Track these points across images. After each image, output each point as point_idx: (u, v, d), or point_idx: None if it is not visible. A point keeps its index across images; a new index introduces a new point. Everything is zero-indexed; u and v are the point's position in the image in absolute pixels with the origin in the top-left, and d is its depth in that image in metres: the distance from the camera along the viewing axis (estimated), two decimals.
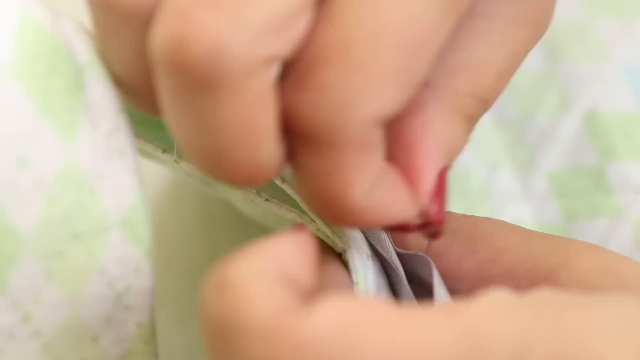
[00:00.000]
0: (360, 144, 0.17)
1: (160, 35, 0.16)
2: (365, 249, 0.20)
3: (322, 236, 0.20)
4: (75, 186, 0.18)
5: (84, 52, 0.18)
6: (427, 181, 0.19)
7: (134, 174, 0.19)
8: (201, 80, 0.15)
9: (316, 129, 0.16)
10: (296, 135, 0.17)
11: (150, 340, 0.20)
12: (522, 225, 0.22)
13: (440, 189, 0.19)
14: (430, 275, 0.20)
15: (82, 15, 0.19)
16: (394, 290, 0.21)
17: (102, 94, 0.18)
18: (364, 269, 0.19)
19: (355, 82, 0.16)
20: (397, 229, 0.20)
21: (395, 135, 0.19)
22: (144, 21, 0.16)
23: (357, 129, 0.16)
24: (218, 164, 0.17)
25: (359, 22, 0.16)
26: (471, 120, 0.19)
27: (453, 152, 0.19)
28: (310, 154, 0.17)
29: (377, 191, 0.18)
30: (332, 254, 0.20)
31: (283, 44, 0.16)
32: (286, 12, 0.16)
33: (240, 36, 0.15)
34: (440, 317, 0.15)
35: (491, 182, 0.29)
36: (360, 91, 0.16)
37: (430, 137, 0.19)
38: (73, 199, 0.18)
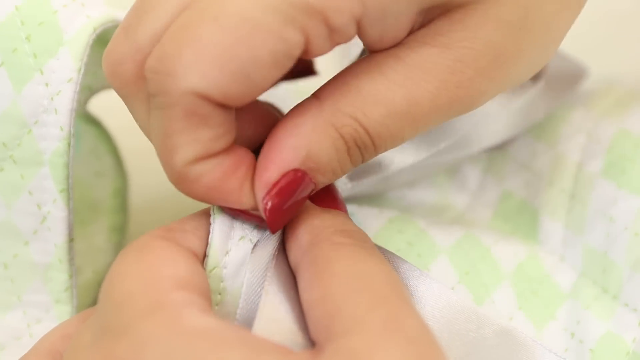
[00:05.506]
0: (187, 113, 0.19)
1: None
2: (239, 233, 0.21)
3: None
4: (18, 124, 0.24)
5: (74, 32, 0.24)
6: (270, 173, 0.20)
7: (64, 128, 0.24)
8: None
9: (152, 89, 0.19)
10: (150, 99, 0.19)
11: (64, 260, 0.26)
12: None
13: (286, 188, 0.20)
14: None
15: None
16: None
17: (62, 66, 0.24)
18: (222, 245, 0.21)
19: (184, 54, 0.18)
20: (235, 212, 0.21)
21: (273, 130, 0.20)
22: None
23: (179, 94, 0.18)
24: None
25: (205, 7, 0.18)
26: (347, 142, 0.20)
27: (314, 161, 0.20)
28: (153, 115, 0.19)
29: (206, 167, 0.19)
30: None
31: None
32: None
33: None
34: None
35: None
36: (186, 62, 0.18)
37: (293, 136, 0.20)
38: (14, 133, 0.24)
